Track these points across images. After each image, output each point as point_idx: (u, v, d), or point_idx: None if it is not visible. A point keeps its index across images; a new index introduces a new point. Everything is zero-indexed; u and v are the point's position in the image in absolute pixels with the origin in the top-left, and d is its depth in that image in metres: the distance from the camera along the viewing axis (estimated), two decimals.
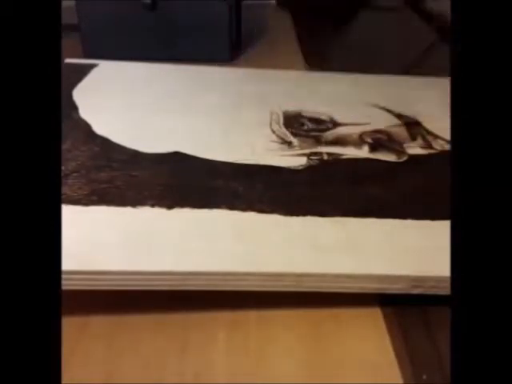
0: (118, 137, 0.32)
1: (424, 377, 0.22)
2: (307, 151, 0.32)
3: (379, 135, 0.35)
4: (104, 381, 0.22)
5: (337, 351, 0.23)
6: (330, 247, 0.25)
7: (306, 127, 0.35)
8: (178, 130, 0.34)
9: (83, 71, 0.41)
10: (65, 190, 0.27)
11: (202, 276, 0.23)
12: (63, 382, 0.19)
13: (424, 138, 0.35)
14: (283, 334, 0.24)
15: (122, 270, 0.23)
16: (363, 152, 0.33)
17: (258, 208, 0.27)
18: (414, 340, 0.24)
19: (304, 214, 0.27)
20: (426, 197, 0.29)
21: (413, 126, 0.36)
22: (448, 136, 0.35)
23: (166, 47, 0.53)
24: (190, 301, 0.25)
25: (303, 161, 0.31)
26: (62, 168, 0.29)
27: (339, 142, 0.34)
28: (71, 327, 0.23)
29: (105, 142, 0.32)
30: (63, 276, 0.21)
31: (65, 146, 0.31)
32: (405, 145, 0.34)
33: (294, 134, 0.34)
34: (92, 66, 0.42)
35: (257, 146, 0.33)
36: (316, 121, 0.35)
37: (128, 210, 0.26)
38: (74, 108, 0.36)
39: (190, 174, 0.30)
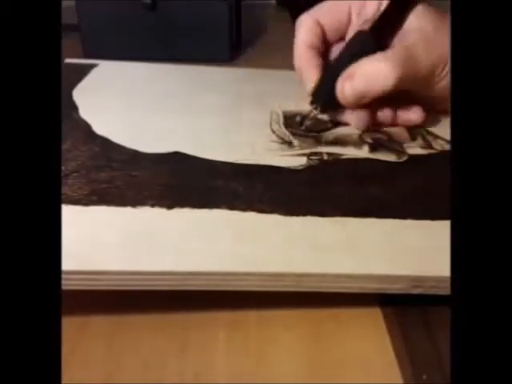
0: (117, 137, 0.32)
1: (424, 377, 0.22)
2: (307, 151, 0.32)
3: (379, 135, 0.35)
4: (104, 381, 0.22)
5: (337, 351, 0.23)
6: (330, 247, 0.25)
7: (306, 127, 0.35)
8: (177, 130, 0.34)
9: (83, 71, 0.41)
10: (65, 190, 0.27)
11: (201, 276, 0.23)
12: (63, 382, 0.19)
13: (424, 138, 0.35)
14: (283, 334, 0.24)
15: (121, 270, 0.23)
16: (363, 152, 0.33)
17: (258, 208, 0.27)
18: (414, 340, 0.24)
19: (304, 214, 0.27)
20: (425, 197, 0.29)
21: (413, 126, 0.36)
22: (448, 136, 0.35)
23: (166, 47, 0.53)
24: (190, 301, 0.25)
25: (303, 161, 0.31)
26: (62, 168, 0.29)
27: (339, 142, 0.34)
28: (71, 327, 0.23)
29: (105, 142, 0.32)
30: (63, 276, 0.21)
31: (65, 146, 0.31)
32: (405, 145, 0.34)
33: (294, 134, 0.34)
34: (92, 66, 0.42)
35: (257, 146, 0.33)
36: (316, 121, 0.35)
37: (128, 210, 0.26)
38: (74, 108, 0.36)
39: (190, 174, 0.30)
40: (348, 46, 0.34)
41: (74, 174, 0.29)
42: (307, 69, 0.35)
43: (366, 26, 0.33)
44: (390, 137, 0.35)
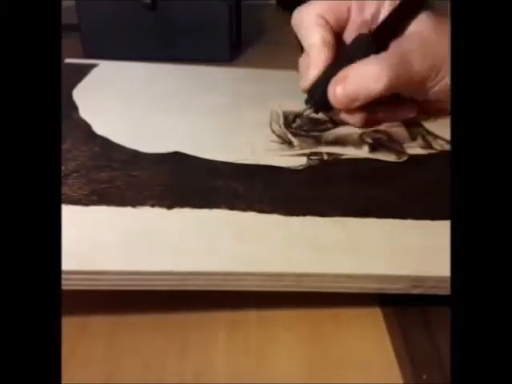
0: (117, 137, 0.32)
1: (424, 377, 0.22)
2: (307, 151, 0.32)
3: (379, 135, 0.35)
4: (104, 381, 0.22)
5: (337, 351, 0.23)
6: (330, 247, 0.25)
7: (306, 127, 0.35)
8: (178, 130, 0.34)
9: (83, 71, 0.41)
10: (65, 190, 0.27)
11: (202, 276, 0.23)
12: (63, 382, 0.19)
13: (424, 138, 0.35)
14: (283, 333, 0.24)
15: (122, 270, 0.23)
16: (363, 152, 0.33)
17: (258, 208, 0.27)
18: (414, 340, 0.24)
19: (304, 214, 0.27)
20: (426, 197, 0.29)
21: (413, 126, 0.36)
22: (448, 136, 0.35)
23: (166, 47, 0.53)
24: (190, 301, 0.25)
25: (303, 161, 0.31)
26: (62, 168, 0.29)
27: (339, 141, 0.34)
28: (71, 327, 0.23)
29: (105, 142, 0.32)
30: (63, 276, 0.21)
31: (65, 146, 0.31)
32: (405, 145, 0.34)
33: (294, 134, 0.34)
34: (92, 66, 0.42)
35: (257, 146, 0.33)
36: (316, 121, 0.35)
37: (128, 209, 0.26)
38: (74, 108, 0.36)
39: (190, 174, 0.30)
40: (348, 48, 0.34)
41: (74, 174, 0.29)
42: (317, 56, 0.33)
43: (366, 29, 0.33)
44: (390, 137, 0.35)
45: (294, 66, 0.36)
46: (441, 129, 0.36)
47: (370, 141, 0.34)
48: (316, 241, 0.25)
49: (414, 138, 0.35)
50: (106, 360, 0.23)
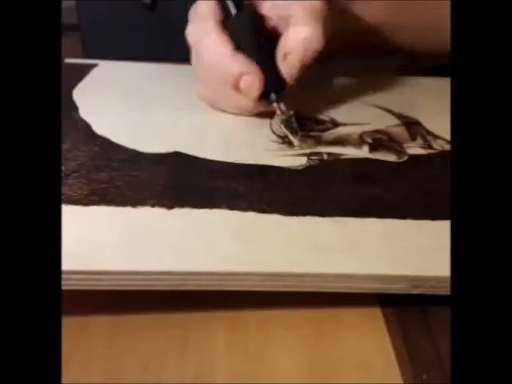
0: (117, 137, 0.32)
1: (424, 377, 0.22)
2: (307, 151, 0.32)
3: (379, 135, 0.35)
4: (104, 381, 0.22)
5: (337, 351, 0.23)
6: (330, 247, 0.25)
7: (306, 127, 0.35)
8: (178, 130, 0.34)
9: (83, 71, 0.41)
10: (65, 189, 0.27)
11: (202, 276, 0.23)
12: (63, 382, 0.19)
13: (424, 138, 0.35)
14: (283, 333, 0.24)
15: (122, 270, 0.23)
16: (363, 152, 0.33)
17: (258, 208, 0.27)
18: (414, 340, 0.23)
19: (304, 214, 0.27)
20: (425, 197, 0.29)
21: (413, 126, 0.36)
22: (448, 136, 0.35)
23: (166, 47, 0.53)
24: (190, 301, 0.25)
25: (303, 161, 0.31)
26: (62, 168, 0.29)
27: (339, 141, 0.34)
28: (71, 327, 0.23)
29: (105, 142, 0.32)
30: (63, 276, 0.21)
31: (65, 146, 0.31)
32: (405, 145, 0.34)
33: (294, 134, 0.34)
34: (92, 66, 0.42)
35: (257, 146, 0.33)
36: (316, 121, 0.35)
37: (128, 209, 0.26)
38: (74, 108, 0.36)
39: (190, 173, 0.30)
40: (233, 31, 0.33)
41: (74, 174, 0.29)
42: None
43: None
44: (390, 137, 0.35)
45: None
46: (441, 129, 0.36)
47: (369, 141, 0.34)
48: (316, 241, 0.25)
49: (413, 138, 0.35)
50: (106, 360, 0.23)
